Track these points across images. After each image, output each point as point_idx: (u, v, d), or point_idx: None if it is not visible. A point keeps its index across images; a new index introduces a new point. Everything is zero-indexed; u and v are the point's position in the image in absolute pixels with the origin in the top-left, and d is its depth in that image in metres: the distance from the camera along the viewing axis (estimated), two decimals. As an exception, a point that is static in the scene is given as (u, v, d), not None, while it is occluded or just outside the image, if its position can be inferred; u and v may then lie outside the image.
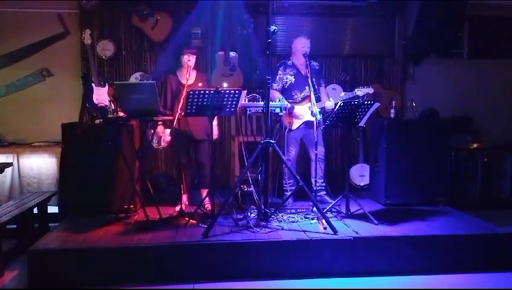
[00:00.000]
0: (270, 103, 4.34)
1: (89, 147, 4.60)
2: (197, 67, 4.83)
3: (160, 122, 4.67)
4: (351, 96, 4.84)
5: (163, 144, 4.78)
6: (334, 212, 4.60)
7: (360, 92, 4.79)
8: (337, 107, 4.33)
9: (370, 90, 4.81)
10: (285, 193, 5.06)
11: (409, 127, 5.20)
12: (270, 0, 4.17)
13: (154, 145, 4.83)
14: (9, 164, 5.11)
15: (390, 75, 6.33)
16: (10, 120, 5.82)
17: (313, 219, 4.40)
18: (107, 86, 5.01)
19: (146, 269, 3.73)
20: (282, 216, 4.46)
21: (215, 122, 4.56)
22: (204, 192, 4.94)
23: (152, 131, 4.73)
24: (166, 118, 4.52)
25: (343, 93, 4.95)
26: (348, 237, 3.92)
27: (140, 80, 5.71)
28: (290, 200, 4.92)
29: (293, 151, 5.00)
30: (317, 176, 4.80)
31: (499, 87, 6.44)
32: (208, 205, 4.65)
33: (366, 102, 4.40)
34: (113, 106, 4.66)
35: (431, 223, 4.39)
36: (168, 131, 4.72)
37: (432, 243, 3.99)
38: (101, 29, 5.82)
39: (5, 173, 5.07)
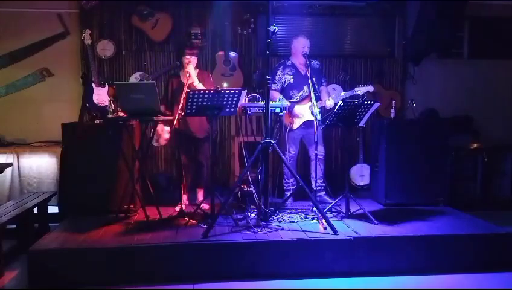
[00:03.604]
0: (270, 103, 4.34)
1: (89, 147, 4.60)
2: (198, 66, 4.82)
3: (160, 122, 4.68)
4: (351, 95, 4.84)
5: (162, 142, 4.79)
6: (334, 212, 4.60)
7: (360, 91, 4.79)
8: (337, 107, 4.32)
9: (370, 88, 4.81)
10: (285, 193, 5.07)
11: (409, 127, 5.20)
12: (270, 0, 4.16)
13: (154, 144, 4.84)
14: (9, 164, 5.11)
15: (390, 75, 6.33)
16: (10, 120, 5.82)
17: (313, 219, 4.39)
18: (107, 86, 5.01)
19: (146, 269, 3.72)
20: (282, 216, 4.46)
21: None
22: (200, 192, 4.96)
23: (152, 130, 4.74)
24: (166, 118, 4.52)
25: (343, 93, 4.95)
26: (348, 237, 3.92)
27: (140, 80, 5.71)
28: (290, 200, 4.92)
29: (293, 151, 5.01)
30: (317, 176, 4.80)
31: (499, 87, 6.44)
32: (204, 205, 4.65)
33: (366, 102, 4.39)
34: (113, 106, 4.66)
35: (431, 223, 4.39)
36: (167, 129, 4.74)
37: (432, 243, 3.99)
38: (101, 29, 5.82)
39: (5, 173, 5.07)
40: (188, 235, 3.97)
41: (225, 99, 4.10)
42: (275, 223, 4.28)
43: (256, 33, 5.99)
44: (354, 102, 4.40)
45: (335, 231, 3.97)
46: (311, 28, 6.11)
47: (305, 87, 4.90)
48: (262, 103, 4.41)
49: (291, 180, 4.98)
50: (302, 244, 3.86)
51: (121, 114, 4.52)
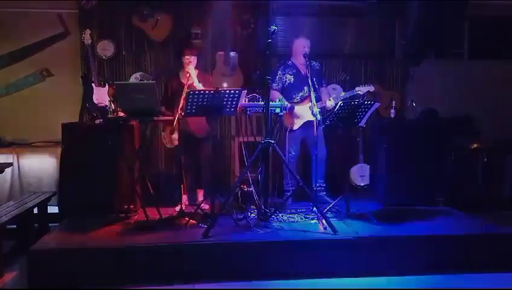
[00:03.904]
0: (270, 102, 4.34)
1: (89, 147, 4.60)
2: (198, 67, 4.83)
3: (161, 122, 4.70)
4: (352, 94, 4.84)
5: (173, 142, 4.80)
6: (334, 212, 4.60)
7: (360, 91, 4.80)
8: (337, 107, 4.33)
9: (371, 88, 4.82)
10: (286, 193, 5.07)
11: (409, 127, 5.20)
12: (270, 0, 4.17)
13: (167, 145, 4.86)
14: (9, 164, 5.11)
15: (390, 75, 6.33)
16: (10, 120, 5.82)
17: (313, 219, 4.40)
18: (107, 86, 5.01)
19: (146, 269, 3.72)
20: (282, 216, 4.46)
21: None
22: (200, 192, 4.96)
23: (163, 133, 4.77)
24: (166, 118, 4.52)
25: (343, 93, 4.96)
26: (348, 237, 3.92)
27: (140, 80, 5.70)
28: (290, 200, 4.92)
29: (293, 152, 5.01)
30: (317, 176, 4.80)
31: (499, 87, 6.43)
32: (204, 205, 4.66)
33: (366, 102, 4.40)
34: (113, 106, 4.66)
35: (431, 223, 4.39)
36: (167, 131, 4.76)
37: (432, 243, 3.99)
38: (101, 29, 5.81)
39: (5, 173, 5.07)
40: (188, 235, 3.97)
41: (225, 99, 4.10)
42: (275, 223, 4.28)
43: (256, 33, 5.98)
44: (354, 102, 4.40)
45: (335, 231, 3.97)
46: (311, 28, 6.09)
47: (306, 88, 4.90)
48: (262, 103, 4.41)
49: (292, 181, 4.98)
50: (302, 244, 3.86)
51: (121, 114, 4.52)
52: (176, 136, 4.64)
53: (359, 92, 4.81)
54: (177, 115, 4.38)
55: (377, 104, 4.43)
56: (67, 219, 4.51)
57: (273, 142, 4.24)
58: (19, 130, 5.81)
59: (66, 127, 4.68)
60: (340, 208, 4.64)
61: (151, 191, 4.46)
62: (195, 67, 4.69)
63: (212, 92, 4.05)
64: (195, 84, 4.53)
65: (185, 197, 4.84)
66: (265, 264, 3.82)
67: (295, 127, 4.93)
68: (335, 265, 3.85)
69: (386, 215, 4.53)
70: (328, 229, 4.02)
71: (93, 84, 5.01)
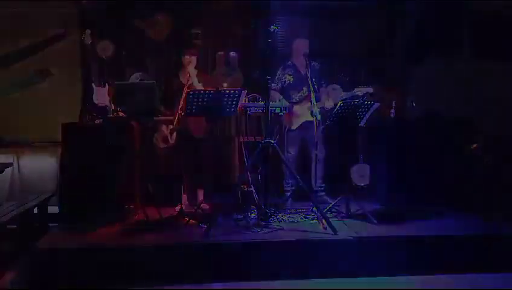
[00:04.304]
0: (270, 103, 4.35)
1: (89, 147, 4.60)
2: (198, 67, 4.83)
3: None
4: (350, 96, 4.84)
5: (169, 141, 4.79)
6: (334, 212, 4.60)
7: (359, 91, 4.80)
8: (337, 107, 4.33)
9: (369, 90, 4.83)
10: (286, 193, 5.07)
11: (409, 127, 5.21)
12: (270, 0, 4.18)
13: (161, 145, 4.85)
14: (9, 164, 5.11)
15: (390, 75, 6.32)
16: (10, 120, 5.82)
17: (313, 219, 4.40)
18: (107, 86, 5.01)
19: (146, 269, 3.72)
20: (282, 216, 4.46)
21: None
22: (200, 192, 4.96)
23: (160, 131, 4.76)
24: (166, 118, 4.52)
25: (342, 93, 4.96)
26: (348, 237, 3.92)
27: (140, 80, 5.70)
28: (290, 200, 4.92)
29: (292, 152, 5.01)
30: (317, 176, 4.80)
31: (500, 87, 6.43)
32: (204, 205, 4.66)
33: (366, 102, 4.40)
34: (113, 106, 4.66)
35: (431, 223, 4.40)
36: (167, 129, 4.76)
37: (432, 243, 3.99)
38: (101, 29, 5.80)
39: (5, 173, 5.06)
40: (188, 235, 3.98)
41: (225, 99, 4.10)
42: (275, 223, 4.28)
43: (256, 33, 5.98)
44: (354, 102, 4.41)
45: (335, 231, 3.98)
46: (311, 28, 6.10)
47: (305, 88, 4.90)
48: (262, 103, 4.42)
49: (292, 181, 4.98)
50: (302, 244, 3.86)
51: (121, 114, 4.52)
52: (160, 137, 4.65)
53: (358, 92, 4.81)
54: (177, 115, 4.39)
55: (376, 105, 4.43)
56: (67, 219, 4.51)
57: (273, 142, 4.24)
58: (19, 130, 5.81)
59: (66, 127, 4.68)
60: (340, 208, 4.64)
61: (151, 191, 4.46)
62: (195, 67, 4.69)
63: (212, 92, 4.05)
64: (194, 84, 4.54)
65: (185, 197, 4.84)
66: (265, 264, 3.81)
67: (293, 127, 4.93)
68: (335, 265, 3.85)
69: (386, 215, 4.53)
70: (328, 229, 4.03)
71: (93, 84, 5.02)
